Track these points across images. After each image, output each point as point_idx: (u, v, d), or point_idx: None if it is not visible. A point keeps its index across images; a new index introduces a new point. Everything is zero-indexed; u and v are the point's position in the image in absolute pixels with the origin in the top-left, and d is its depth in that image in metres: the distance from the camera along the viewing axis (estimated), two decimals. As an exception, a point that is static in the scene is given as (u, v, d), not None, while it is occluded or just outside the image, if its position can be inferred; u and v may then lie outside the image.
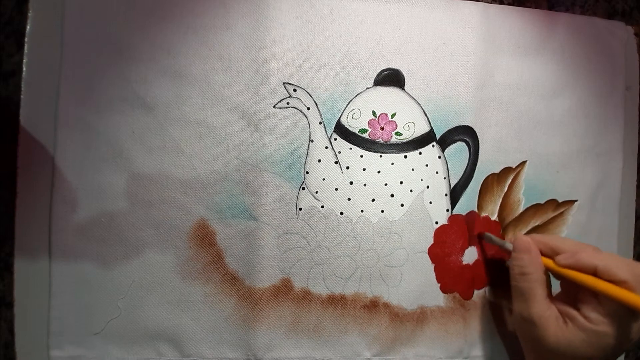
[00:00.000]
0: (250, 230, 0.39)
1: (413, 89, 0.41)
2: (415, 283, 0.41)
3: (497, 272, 0.42)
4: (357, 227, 0.40)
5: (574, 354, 0.33)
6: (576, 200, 0.44)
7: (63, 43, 0.37)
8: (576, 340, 0.33)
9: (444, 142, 0.42)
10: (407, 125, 0.41)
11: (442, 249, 0.42)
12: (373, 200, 0.40)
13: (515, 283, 0.37)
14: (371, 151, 0.41)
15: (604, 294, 0.32)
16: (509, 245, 0.39)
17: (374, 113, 0.41)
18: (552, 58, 0.44)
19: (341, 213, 0.40)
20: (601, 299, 0.33)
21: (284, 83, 0.39)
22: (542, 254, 0.37)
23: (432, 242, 0.41)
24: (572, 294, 0.35)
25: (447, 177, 0.42)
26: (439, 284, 0.42)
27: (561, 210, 0.44)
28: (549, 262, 0.36)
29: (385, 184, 0.41)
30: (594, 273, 0.33)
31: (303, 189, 0.40)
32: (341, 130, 0.40)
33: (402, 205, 0.41)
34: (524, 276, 0.36)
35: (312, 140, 0.40)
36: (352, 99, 0.40)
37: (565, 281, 0.37)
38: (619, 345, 0.33)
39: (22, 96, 0.37)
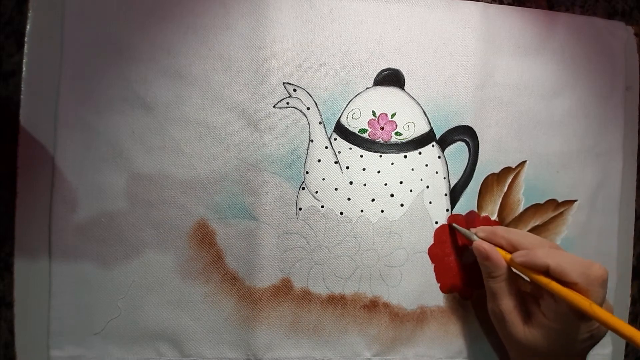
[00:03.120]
0: (250, 230, 0.39)
1: (413, 89, 0.41)
2: (415, 283, 0.41)
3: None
4: (357, 227, 0.40)
5: (541, 349, 0.34)
6: (576, 200, 0.44)
7: (63, 43, 0.37)
8: (538, 335, 0.34)
9: (444, 142, 0.42)
10: (406, 125, 0.41)
11: (442, 249, 0.42)
12: (373, 200, 0.40)
13: (485, 282, 0.38)
14: (371, 151, 0.41)
15: (553, 293, 0.33)
16: (475, 238, 0.39)
17: (373, 113, 0.41)
18: (552, 58, 0.44)
19: (341, 213, 0.40)
20: (556, 297, 0.33)
21: (284, 83, 0.39)
22: (504, 248, 0.37)
23: (432, 242, 0.41)
24: (537, 287, 0.36)
25: (447, 177, 0.42)
26: (439, 284, 0.42)
27: (561, 210, 0.44)
28: (509, 258, 0.36)
29: (385, 184, 0.41)
30: (547, 272, 0.33)
31: (303, 188, 0.40)
32: (341, 130, 0.40)
33: (402, 205, 0.41)
34: (491, 278, 0.37)
35: (312, 140, 0.40)
36: (352, 99, 0.40)
37: None
38: (574, 344, 0.34)
39: (22, 96, 0.37)
